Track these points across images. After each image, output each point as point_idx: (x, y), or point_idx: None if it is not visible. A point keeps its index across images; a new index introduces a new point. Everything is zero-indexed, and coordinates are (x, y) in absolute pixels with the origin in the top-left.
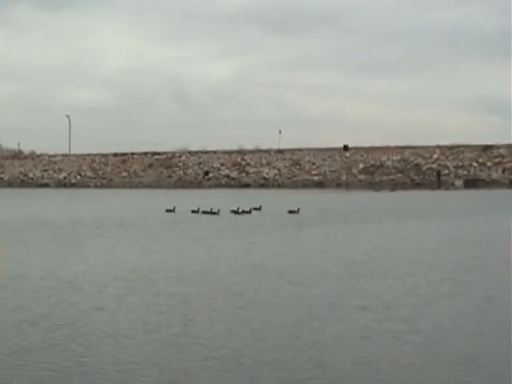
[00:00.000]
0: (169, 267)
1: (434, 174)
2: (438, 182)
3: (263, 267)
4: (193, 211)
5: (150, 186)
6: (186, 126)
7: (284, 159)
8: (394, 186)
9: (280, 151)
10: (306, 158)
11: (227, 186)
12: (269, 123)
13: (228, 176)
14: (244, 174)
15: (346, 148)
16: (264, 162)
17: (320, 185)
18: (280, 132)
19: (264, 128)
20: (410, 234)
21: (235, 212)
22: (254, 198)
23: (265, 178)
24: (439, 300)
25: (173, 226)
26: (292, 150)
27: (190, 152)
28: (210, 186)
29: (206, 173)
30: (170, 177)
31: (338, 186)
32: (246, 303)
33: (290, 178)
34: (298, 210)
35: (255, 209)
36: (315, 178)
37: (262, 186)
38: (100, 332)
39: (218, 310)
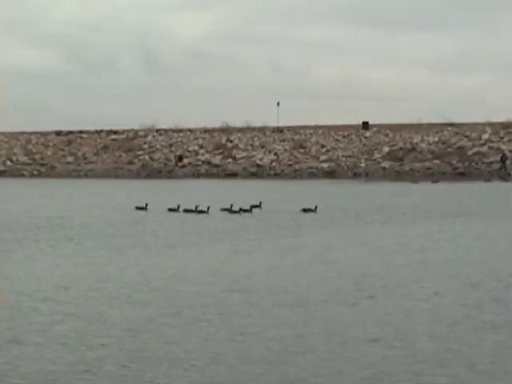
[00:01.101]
0: (118, 284)
1: (497, 159)
2: (500, 170)
3: (246, 283)
4: (170, 209)
5: (104, 175)
6: (152, 97)
7: (283, 140)
8: (431, 175)
9: (278, 130)
10: (313, 139)
11: (208, 175)
12: (263, 93)
13: (209, 162)
14: (230, 160)
15: (365, 126)
16: (257, 143)
17: (331, 174)
18: (278, 104)
19: (257, 99)
20: (445, 238)
21: (229, 211)
22: (246, 191)
23: (258, 166)
24: (477, 330)
25: (138, 229)
26: (294, 128)
27: (158, 130)
28: (184, 176)
29: (180, 158)
30: (131, 163)
31: (355, 175)
32: (216, 333)
33: (291, 166)
34: (316, 208)
35: (254, 206)
36: (325, 165)
37: (253, 175)
38: (17, 374)
39: (177, 342)
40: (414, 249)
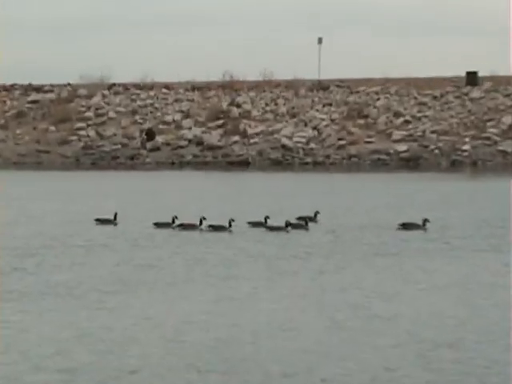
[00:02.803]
0: (11, 357)
1: None
2: None
3: (227, 356)
4: (159, 224)
5: (18, 162)
6: (101, 29)
7: (329, 104)
8: None
9: (320, 86)
10: (380, 102)
11: (198, 164)
12: (293, 23)
13: (200, 142)
14: (237, 139)
15: (472, 79)
16: (283, 110)
17: (412, 164)
18: (320, 41)
19: (281, 33)
20: None
21: (264, 226)
22: (270, 191)
23: (284, 148)
24: None
25: (74, 259)
26: (347, 83)
27: (111, 86)
28: (157, 165)
29: (150, 134)
30: (65, 143)
31: (454, 166)
32: None
33: (342, 148)
34: (425, 222)
35: (305, 218)
36: (401, 147)
37: (276, 164)
38: None
39: None
40: None
